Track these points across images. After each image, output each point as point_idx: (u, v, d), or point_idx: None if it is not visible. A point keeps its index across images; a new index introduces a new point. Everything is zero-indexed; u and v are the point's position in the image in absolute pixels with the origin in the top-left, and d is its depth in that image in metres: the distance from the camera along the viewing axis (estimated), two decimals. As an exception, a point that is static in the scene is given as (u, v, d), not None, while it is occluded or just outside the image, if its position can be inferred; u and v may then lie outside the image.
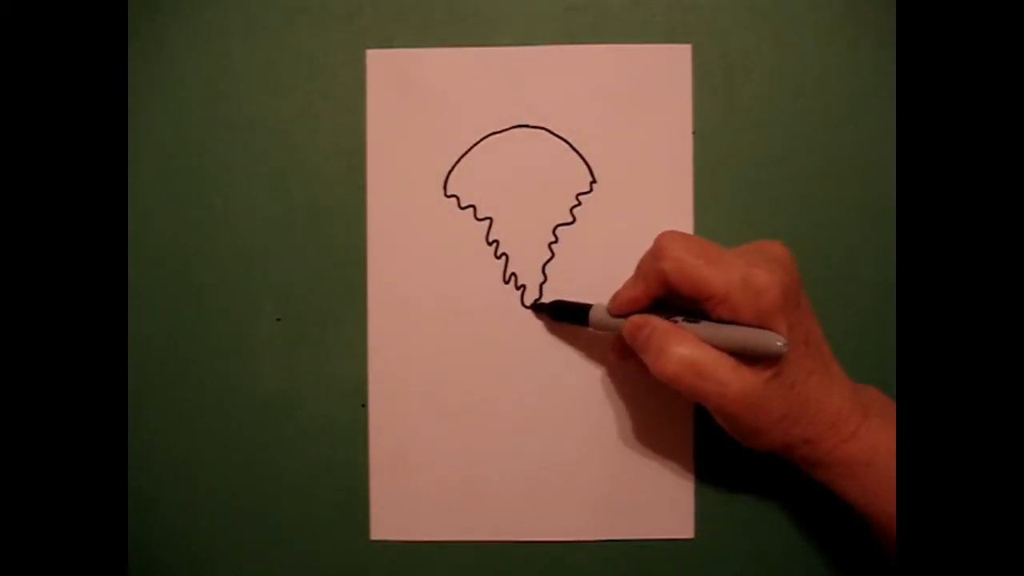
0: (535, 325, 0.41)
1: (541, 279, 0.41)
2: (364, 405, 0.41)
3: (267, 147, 0.41)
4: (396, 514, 0.41)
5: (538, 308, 0.41)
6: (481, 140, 0.41)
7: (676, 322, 0.35)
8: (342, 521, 0.41)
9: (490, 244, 0.41)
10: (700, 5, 0.41)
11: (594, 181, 0.41)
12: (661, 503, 0.40)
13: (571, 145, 0.41)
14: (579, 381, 0.41)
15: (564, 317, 0.40)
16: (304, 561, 0.41)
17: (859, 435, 0.34)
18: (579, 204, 0.41)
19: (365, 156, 0.41)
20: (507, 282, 0.41)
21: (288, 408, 0.41)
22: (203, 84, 0.41)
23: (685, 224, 0.41)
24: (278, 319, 0.41)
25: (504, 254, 0.41)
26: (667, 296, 0.36)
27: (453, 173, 0.41)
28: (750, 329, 0.33)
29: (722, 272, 0.33)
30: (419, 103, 0.41)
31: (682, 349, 0.34)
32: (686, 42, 0.41)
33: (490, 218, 0.41)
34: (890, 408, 0.36)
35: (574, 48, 0.41)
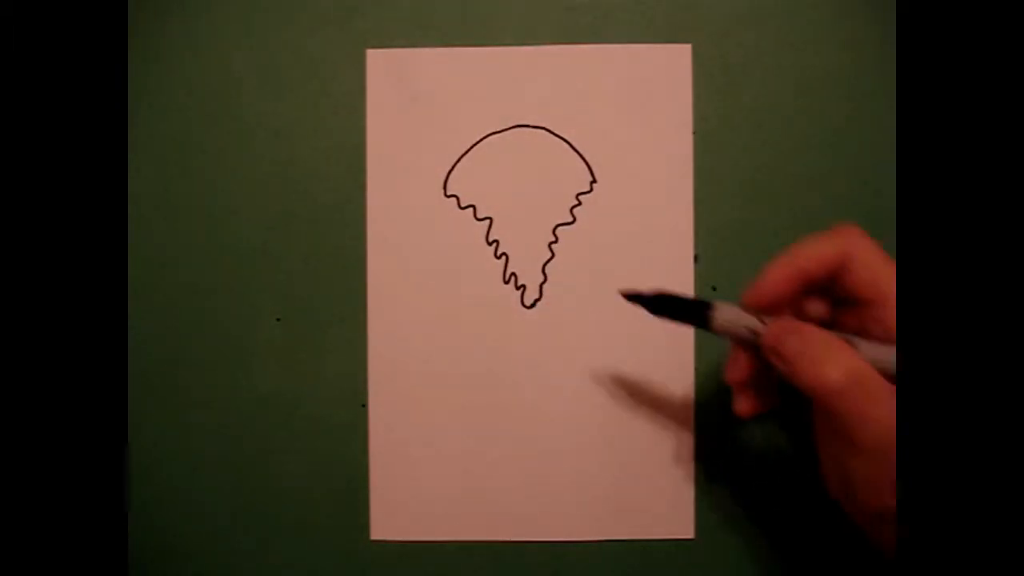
0: (535, 325, 0.41)
1: (541, 279, 0.41)
2: (364, 405, 0.41)
3: (267, 147, 0.41)
4: (396, 514, 0.41)
5: (633, 299, 0.34)
6: (481, 140, 0.41)
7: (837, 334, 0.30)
8: (342, 521, 0.41)
9: (490, 244, 0.41)
10: (700, 5, 0.41)
11: (594, 181, 0.41)
12: (661, 503, 0.40)
13: (571, 145, 0.41)
14: (579, 381, 0.41)
15: (672, 314, 0.34)
16: (304, 561, 0.41)
17: None
18: (579, 204, 0.41)
19: (365, 156, 0.41)
20: (507, 282, 0.41)
21: (288, 408, 0.41)
22: (203, 84, 0.41)
23: (685, 224, 0.41)
24: (278, 319, 0.41)
25: (504, 254, 0.41)
26: (807, 296, 0.32)
27: (453, 173, 0.41)
28: None
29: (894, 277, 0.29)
30: (419, 103, 0.41)
31: (850, 359, 0.29)
32: (686, 42, 0.41)
33: (490, 218, 0.41)
34: None
35: (574, 48, 0.41)
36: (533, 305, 0.41)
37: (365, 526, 0.41)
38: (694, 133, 0.41)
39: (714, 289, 0.41)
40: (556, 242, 0.41)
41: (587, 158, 0.41)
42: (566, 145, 0.41)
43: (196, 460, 0.41)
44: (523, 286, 0.41)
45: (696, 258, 0.41)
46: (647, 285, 0.40)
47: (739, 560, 0.40)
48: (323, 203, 0.41)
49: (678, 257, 0.41)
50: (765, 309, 0.32)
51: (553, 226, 0.41)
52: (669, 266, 0.41)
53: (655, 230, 0.41)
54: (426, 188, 0.41)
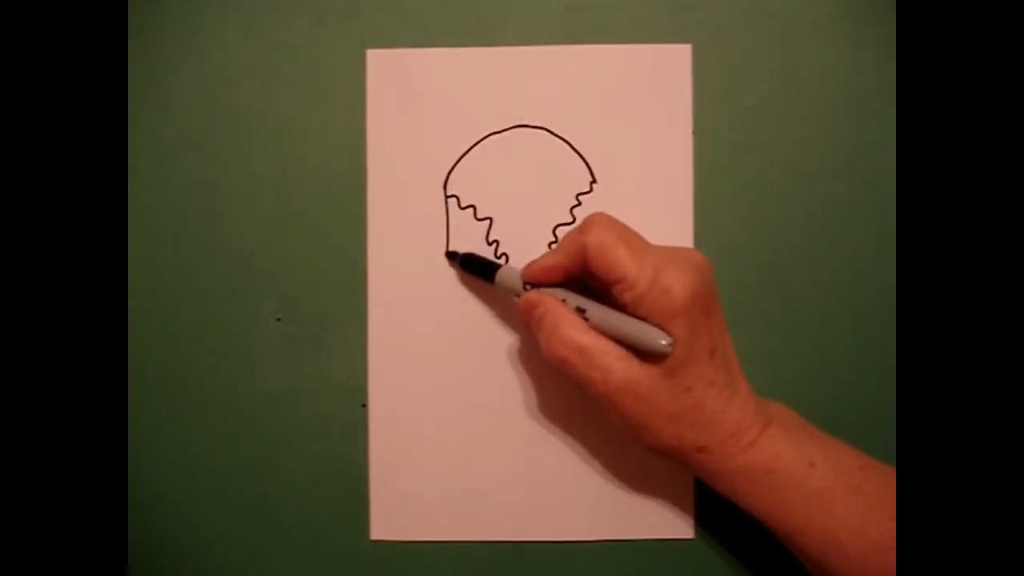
0: (535, 325, 0.41)
1: (541, 279, 0.41)
2: (364, 405, 0.41)
3: (267, 147, 0.41)
4: (396, 514, 0.41)
5: (451, 256, 0.41)
6: (481, 140, 0.41)
7: (567, 304, 0.35)
8: (342, 521, 0.41)
9: (490, 244, 0.41)
10: (700, 5, 0.41)
11: (594, 181, 0.41)
12: (661, 503, 0.40)
13: (571, 145, 0.41)
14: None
15: (474, 270, 0.40)
16: (304, 561, 0.41)
17: (759, 444, 0.34)
18: (579, 204, 0.41)
19: (365, 156, 0.41)
20: (507, 282, 0.41)
21: (288, 408, 0.41)
22: (203, 84, 0.41)
23: (685, 224, 0.41)
24: (278, 319, 0.41)
25: (504, 254, 0.41)
26: (582, 276, 0.36)
27: (453, 173, 0.41)
28: (638, 322, 0.34)
29: (638, 261, 0.34)
30: (419, 103, 0.41)
31: (571, 332, 0.34)
32: (686, 42, 0.41)
33: (490, 218, 0.41)
34: (795, 419, 0.36)
35: (574, 48, 0.41)
36: (533, 305, 0.41)
37: (365, 526, 0.41)
38: (694, 133, 0.41)
39: (714, 289, 0.41)
40: (556, 242, 0.41)
41: (587, 158, 0.41)
42: (566, 145, 0.41)
43: (196, 460, 0.41)
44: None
45: (696, 258, 0.41)
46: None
47: (739, 560, 0.40)
48: (323, 203, 0.41)
49: (678, 257, 0.41)
50: (536, 284, 0.37)
51: (553, 226, 0.41)
52: (669, 266, 0.41)
53: (655, 230, 0.41)
54: (426, 188, 0.41)
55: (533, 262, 0.37)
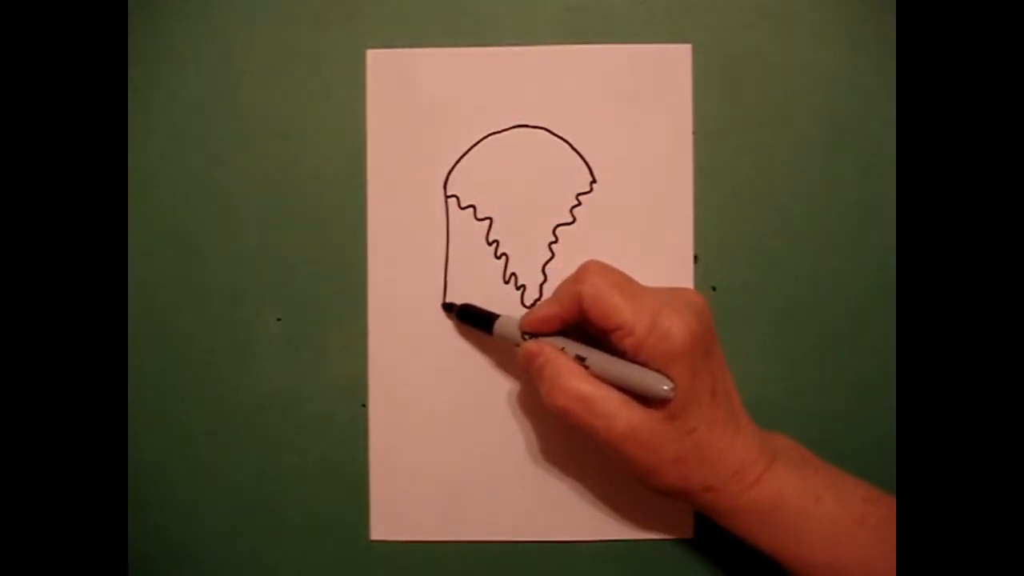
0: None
1: (541, 279, 0.41)
2: (364, 405, 0.41)
3: (267, 147, 0.41)
4: (396, 514, 0.41)
5: (447, 308, 0.41)
6: (481, 140, 0.41)
7: (567, 352, 0.35)
8: (342, 521, 0.41)
9: (490, 244, 0.41)
10: (700, 5, 0.41)
11: (594, 181, 0.41)
12: (661, 503, 0.40)
13: (571, 145, 0.41)
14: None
15: (471, 322, 0.40)
16: (304, 561, 0.41)
17: (764, 480, 0.34)
18: (579, 204, 0.41)
19: (365, 156, 0.41)
20: (507, 282, 0.41)
21: (288, 408, 0.41)
22: (203, 84, 0.41)
23: (685, 224, 0.41)
24: (278, 319, 0.41)
25: (504, 254, 0.41)
26: (579, 324, 0.36)
27: (453, 173, 0.41)
28: (639, 368, 0.33)
29: (634, 306, 0.33)
30: (419, 103, 0.41)
31: (572, 382, 0.34)
32: (686, 42, 0.41)
33: (490, 218, 0.41)
34: (799, 453, 0.36)
35: (574, 48, 0.41)
36: (533, 305, 0.41)
37: (365, 526, 0.41)
38: (694, 133, 0.41)
39: (714, 289, 0.41)
40: (556, 242, 0.41)
41: (587, 158, 0.41)
42: (566, 145, 0.41)
43: (196, 460, 0.41)
44: (523, 286, 0.41)
45: (696, 258, 0.41)
46: (648, 285, 0.40)
47: (739, 560, 0.40)
48: (323, 203, 0.41)
49: (678, 257, 0.41)
50: (534, 334, 0.37)
51: (553, 226, 0.41)
52: (669, 266, 0.41)
53: (655, 230, 0.41)
54: (426, 188, 0.41)
55: (530, 312, 0.37)
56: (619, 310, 0.34)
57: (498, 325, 0.38)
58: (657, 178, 0.41)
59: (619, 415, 0.33)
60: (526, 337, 0.37)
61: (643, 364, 0.33)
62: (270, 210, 0.41)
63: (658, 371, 0.33)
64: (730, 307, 0.41)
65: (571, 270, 0.41)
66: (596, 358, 0.35)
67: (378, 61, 0.41)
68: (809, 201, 0.41)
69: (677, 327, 0.33)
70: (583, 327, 0.36)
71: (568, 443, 0.41)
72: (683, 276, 0.41)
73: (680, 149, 0.41)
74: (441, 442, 0.41)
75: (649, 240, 0.41)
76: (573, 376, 0.34)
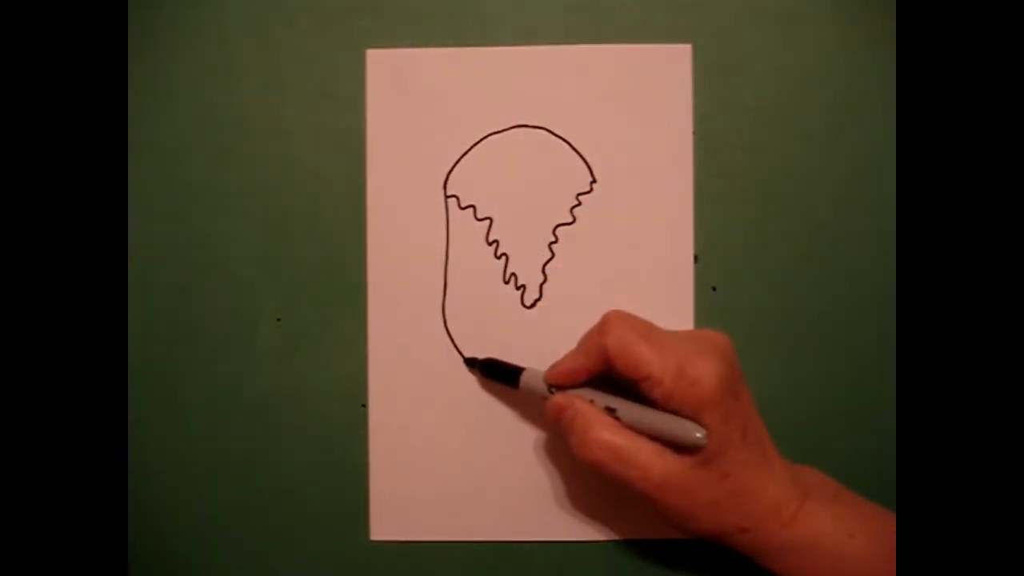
0: (535, 325, 0.41)
1: (541, 279, 0.41)
2: (364, 405, 0.41)
3: (267, 147, 0.41)
4: (396, 514, 0.41)
5: (470, 363, 0.41)
6: (481, 140, 0.41)
7: (595, 404, 0.35)
8: (342, 521, 0.41)
9: (490, 244, 0.41)
10: (700, 5, 0.41)
11: (594, 181, 0.41)
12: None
13: (571, 145, 0.41)
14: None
15: (496, 376, 0.40)
16: (304, 561, 0.41)
17: (799, 519, 0.34)
18: (579, 204, 0.41)
19: (365, 156, 0.41)
20: (507, 282, 0.41)
21: (288, 408, 0.41)
22: (203, 84, 0.41)
23: (685, 224, 0.41)
24: (278, 319, 0.41)
25: (504, 254, 0.41)
26: (606, 374, 0.36)
27: (453, 173, 0.41)
28: (671, 417, 0.33)
29: (661, 356, 0.34)
30: (419, 103, 0.41)
31: (603, 434, 0.34)
32: (686, 42, 0.41)
33: (490, 218, 0.41)
34: (829, 487, 0.36)
35: (574, 48, 0.41)
36: (533, 305, 0.41)
37: (365, 526, 0.41)
38: (694, 133, 0.41)
39: (714, 289, 0.41)
40: (556, 242, 0.41)
41: (587, 158, 0.41)
42: (566, 145, 0.41)
43: (196, 460, 0.41)
44: (523, 286, 0.41)
45: (696, 258, 0.41)
46: (647, 285, 0.40)
47: (739, 560, 0.40)
48: (323, 203, 0.41)
49: (678, 257, 0.41)
50: (561, 386, 0.37)
51: (553, 226, 0.41)
52: (669, 266, 0.41)
53: (655, 230, 0.41)
54: (426, 188, 0.41)
55: (555, 365, 0.37)
56: (646, 361, 0.34)
57: (524, 379, 0.38)
58: (657, 178, 0.41)
59: (652, 465, 0.34)
60: (553, 390, 0.37)
61: (674, 412, 0.33)
62: (270, 210, 0.41)
63: (689, 418, 0.33)
64: (730, 307, 0.41)
65: (571, 270, 0.41)
66: (626, 409, 0.35)
67: (378, 61, 0.41)
68: (809, 201, 0.41)
69: (705, 373, 0.33)
70: (610, 375, 0.36)
71: (568, 443, 0.41)
72: (683, 276, 0.41)
73: (680, 149, 0.41)
74: (441, 442, 0.41)
75: (649, 240, 0.41)
76: (604, 428, 0.34)
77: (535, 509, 0.41)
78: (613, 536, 0.41)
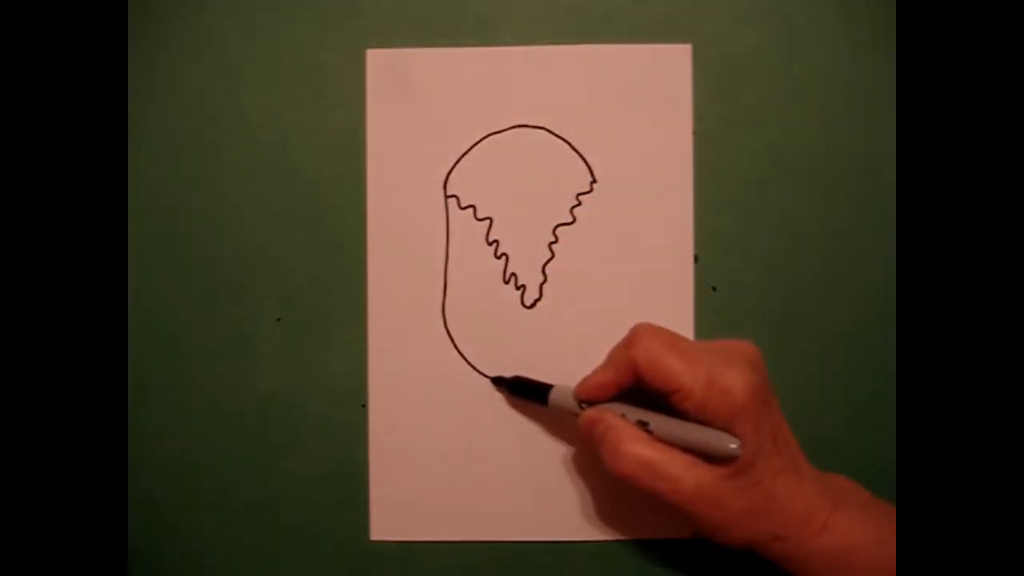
0: (535, 325, 0.41)
1: (541, 279, 0.41)
2: (364, 405, 0.41)
3: (267, 147, 0.41)
4: (396, 514, 0.41)
5: (497, 382, 0.41)
6: (481, 140, 0.41)
7: (627, 418, 0.35)
8: (342, 521, 0.41)
9: (490, 244, 0.41)
10: (700, 5, 0.41)
11: (594, 181, 0.41)
12: (661, 503, 0.40)
13: (571, 145, 0.41)
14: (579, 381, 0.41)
15: (523, 394, 0.40)
16: (304, 561, 0.41)
17: (831, 526, 0.34)
18: (579, 204, 0.41)
19: (365, 156, 0.41)
20: (507, 282, 0.41)
21: (288, 408, 0.41)
22: (203, 84, 0.41)
23: (685, 224, 0.41)
24: (278, 319, 0.41)
25: (504, 254, 0.41)
26: (636, 387, 0.36)
27: (453, 173, 0.41)
28: (703, 429, 0.34)
29: (690, 368, 0.34)
30: (419, 103, 0.41)
31: (636, 448, 0.34)
32: (686, 42, 0.41)
33: (490, 218, 0.41)
34: (860, 494, 0.36)
35: (574, 48, 0.41)
36: (533, 305, 0.41)
37: (365, 526, 0.41)
38: (694, 133, 0.41)
39: (714, 289, 0.41)
40: (556, 242, 0.41)
41: (587, 158, 0.41)
42: (566, 145, 0.41)
43: (196, 460, 0.41)
44: (523, 286, 0.41)
45: (696, 258, 0.41)
46: (647, 285, 0.40)
47: (739, 560, 0.40)
48: (323, 203, 0.41)
49: (678, 257, 0.41)
50: (591, 401, 0.37)
51: (553, 226, 0.41)
52: (669, 266, 0.41)
53: (655, 230, 0.41)
54: (426, 188, 0.41)
55: (584, 380, 0.37)
56: (676, 373, 0.34)
57: (553, 396, 0.38)
58: (657, 178, 0.41)
59: (685, 477, 0.34)
60: (583, 406, 0.37)
61: (706, 423, 0.34)
62: (270, 210, 0.41)
63: (721, 429, 0.33)
64: (730, 307, 0.41)
65: (571, 270, 0.41)
66: (658, 422, 0.35)
67: (378, 61, 0.41)
68: (809, 201, 0.41)
69: (736, 383, 0.33)
70: (639, 388, 0.36)
71: (568, 443, 0.41)
72: (683, 276, 0.41)
73: (680, 149, 0.41)
74: (441, 442, 0.41)
75: (649, 240, 0.41)
76: (636, 442, 0.34)
77: (535, 509, 0.41)
78: (613, 536, 0.41)
